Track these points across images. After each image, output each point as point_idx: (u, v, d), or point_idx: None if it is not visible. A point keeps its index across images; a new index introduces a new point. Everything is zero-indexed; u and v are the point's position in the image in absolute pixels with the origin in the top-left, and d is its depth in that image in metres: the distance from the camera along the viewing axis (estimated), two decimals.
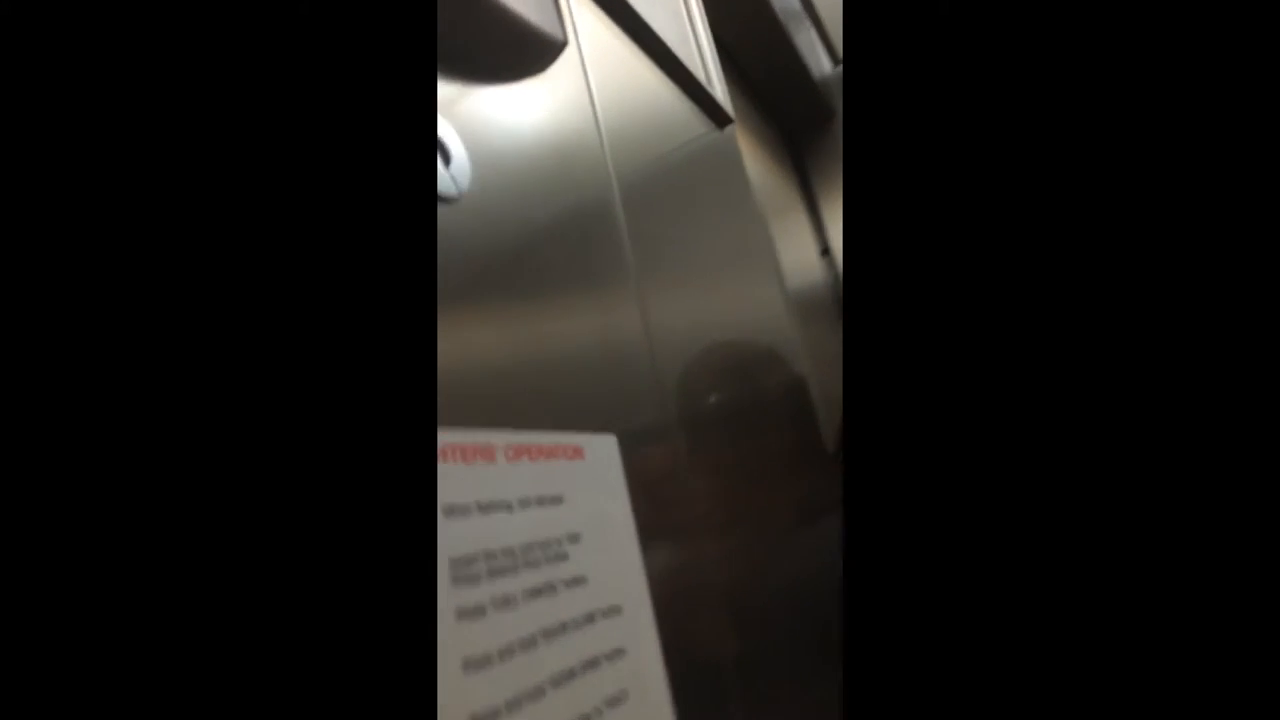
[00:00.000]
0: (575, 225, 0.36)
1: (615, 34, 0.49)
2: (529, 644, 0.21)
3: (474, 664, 0.19)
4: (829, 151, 1.62)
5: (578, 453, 0.27)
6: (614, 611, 0.26)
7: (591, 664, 0.24)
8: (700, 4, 0.67)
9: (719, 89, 0.63)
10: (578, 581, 0.24)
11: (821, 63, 1.54)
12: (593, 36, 0.45)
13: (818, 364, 1.28)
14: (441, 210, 0.26)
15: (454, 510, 0.20)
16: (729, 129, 0.66)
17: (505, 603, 0.21)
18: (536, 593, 0.22)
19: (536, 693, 0.21)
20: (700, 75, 0.60)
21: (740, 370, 0.56)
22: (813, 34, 1.50)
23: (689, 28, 0.63)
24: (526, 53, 0.33)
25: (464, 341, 0.25)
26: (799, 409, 0.66)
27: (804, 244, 1.56)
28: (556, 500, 0.25)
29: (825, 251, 1.69)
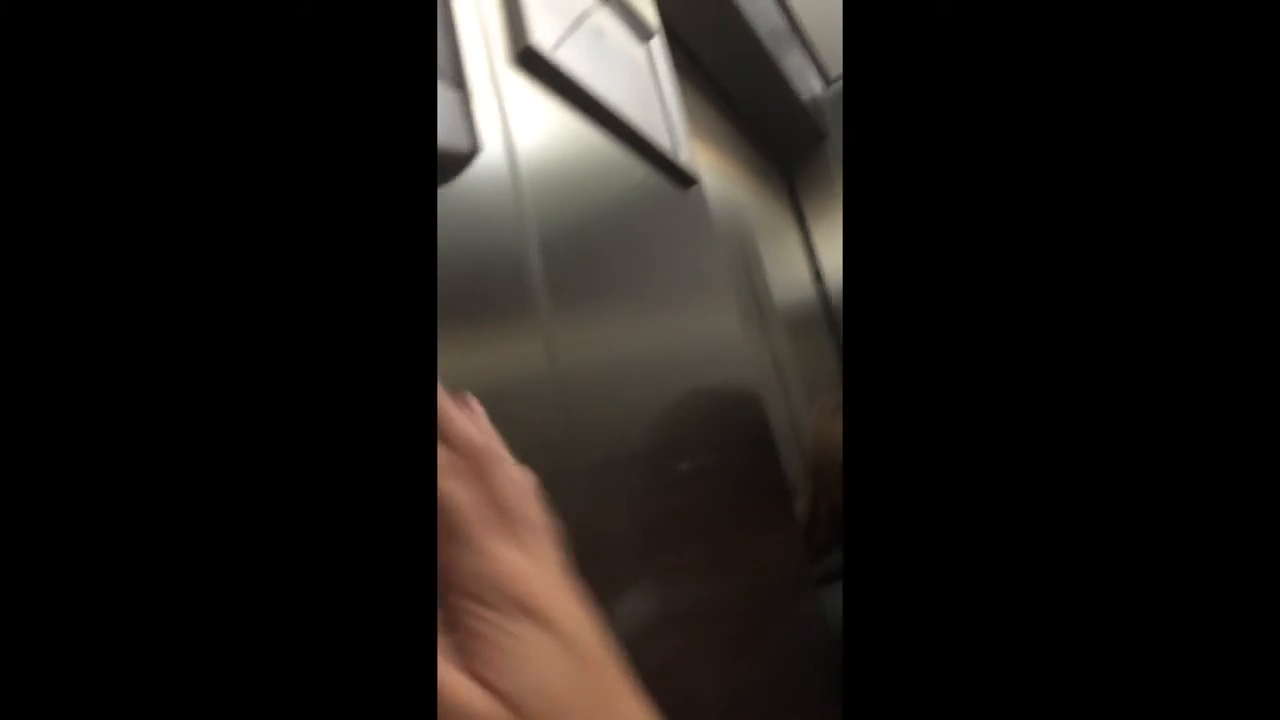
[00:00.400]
0: (489, 310, 0.32)
1: (558, 109, 0.45)
2: None
3: None
4: (820, 175, 1.58)
5: None
6: None
7: None
8: (668, 62, 0.63)
9: (684, 151, 0.59)
10: None
11: (811, 84, 1.50)
12: (530, 119, 0.41)
13: (810, 386, 1.25)
14: None
15: None
16: (694, 189, 0.62)
17: None
18: None
19: None
20: (663, 140, 0.56)
21: (713, 424, 0.52)
22: (801, 55, 1.45)
23: (654, 89, 0.59)
24: None
25: None
26: (762, 477, 0.62)
27: (796, 267, 1.52)
28: None
29: (818, 277, 1.65)
